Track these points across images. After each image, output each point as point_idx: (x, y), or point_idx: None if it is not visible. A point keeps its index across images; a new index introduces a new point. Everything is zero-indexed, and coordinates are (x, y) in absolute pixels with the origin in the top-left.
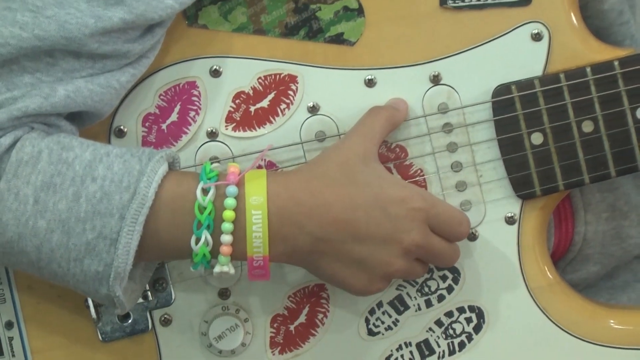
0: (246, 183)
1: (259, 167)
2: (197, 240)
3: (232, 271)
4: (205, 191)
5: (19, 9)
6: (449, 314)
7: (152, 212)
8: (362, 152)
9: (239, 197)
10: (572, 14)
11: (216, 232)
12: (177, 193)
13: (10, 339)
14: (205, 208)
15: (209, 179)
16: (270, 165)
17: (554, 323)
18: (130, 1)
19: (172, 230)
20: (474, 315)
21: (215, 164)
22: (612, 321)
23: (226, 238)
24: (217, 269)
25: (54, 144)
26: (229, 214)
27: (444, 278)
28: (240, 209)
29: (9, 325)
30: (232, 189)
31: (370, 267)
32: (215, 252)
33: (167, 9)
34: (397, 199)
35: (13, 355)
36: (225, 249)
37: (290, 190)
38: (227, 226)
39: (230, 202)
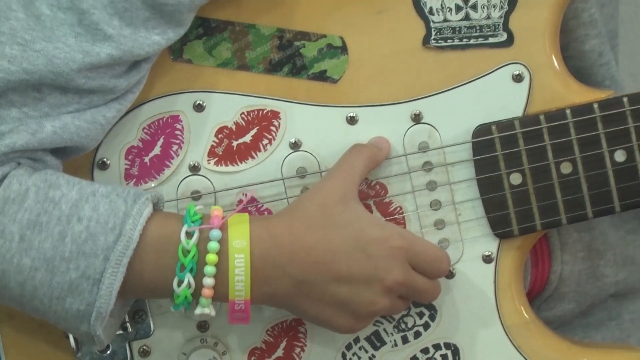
0: (229, 227)
1: (242, 210)
2: (180, 282)
3: (213, 313)
4: (189, 234)
5: (8, 42)
6: (425, 351)
7: (136, 254)
8: (342, 192)
9: (222, 241)
10: (553, 56)
11: (198, 275)
12: (161, 235)
13: None
14: (189, 251)
15: (193, 222)
16: (252, 201)
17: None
18: (117, 37)
19: (154, 271)
20: (449, 353)
21: (199, 207)
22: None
23: (208, 281)
24: (198, 310)
25: (41, 182)
26: (212, 258)
27: (420, 315)
28: (222, 252)
29: None
30: (215, 233)
31: (353, 307)
32: (196, 294)
33: (153, 45)
34: (377, 239)
35: None
36: (206, 292)
37: (273, 233)
38: (209, 269)
39: (213, 245)
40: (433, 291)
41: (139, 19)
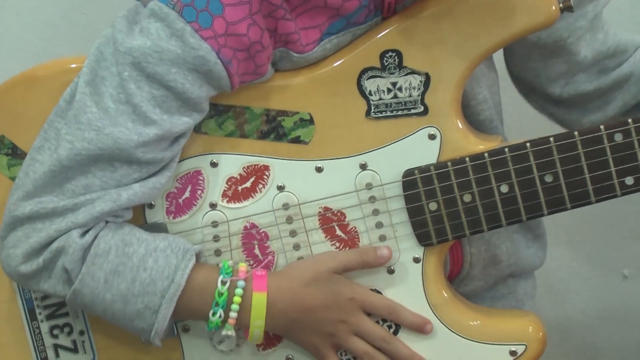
0: (252, 309)
1: (249, 241)
2: (214, 314)
3: (234, 334)
4: (223, 282)
5: (86, 129)
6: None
7: (184, 293)
8: (331, 266)
9: (245, 289)
10: (456, 120)
11: (226, 310)
12: (204, 283)
13: (83, 341)
14: (222, 294)
15: (227, 273)
16: (253, 226)
17: (447, 328)
18: (160, 121)
19: (196, 305)
20: (393, 325)
21: (230, 262)
22: (490, 324)
23: (233, 314)
24: (223, 332)
25: (119, 242)
26: (237, 299)
27: None
28: (246, 299)
29: (81, 332)
30: (241, 283)
31: (324, 334)
32: (224, 322)
33: (184, 124)
34: (345, 296)
35: (85, 352)
36: (231, 321)
37: (281, 290)
38: (234, 307)
39: (239, 291)
40: (380, 333)
41: (174, 107)
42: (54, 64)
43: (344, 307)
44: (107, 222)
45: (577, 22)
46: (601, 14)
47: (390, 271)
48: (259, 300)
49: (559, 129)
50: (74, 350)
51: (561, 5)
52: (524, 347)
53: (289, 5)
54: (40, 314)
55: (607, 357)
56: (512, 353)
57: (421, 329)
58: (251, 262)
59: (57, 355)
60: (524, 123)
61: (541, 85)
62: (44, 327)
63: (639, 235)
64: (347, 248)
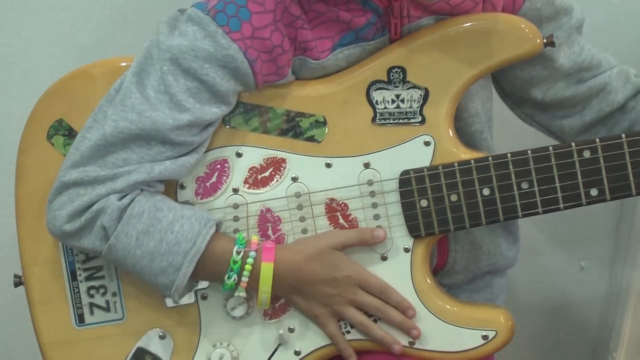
0: (261, 277)
1: (264, 225)
2: (228, 278)
3: (245, 295)
4: (238, 252)
5: (129, 111)
6: None
7: (204, 257)
8: (332, 243)
9: (256, 259)
10: (449, 130)
11: (239, 274)
12: (220, 251)
13: (115, 302)
14: (236, 262)
15: (241, 244)
16: (268, 210)
17: (429, 311)
18: (192, 109)
19: (214, 269)
20: None
21: (244, 234)
22: (466, 311)
23: (244, 279)
24: (237, 293)
25: (152, 207)
26: (248, 267)
27: None
28: (255, 267)
29: (114, 294)
30: (252, 253)
31: (321, 304)
32: (237, 285)
33: (213, 114)
34: (342, 272)
35: (115, 312)
36: (242, 284)
37: (286, 261)
38: (246, 273)
39: (250, 260)
40: (375, 305)
41: (205, 98)
42: (106, 62)
43: (342, 282)
44: (142, 190)
45: (552, 33)
46: (579, 30)
47: (384, 258)
48: (267, 269)
49: (545, 143)
50: (107, 309)
51: (545, 40)
52: (495, 332)
53: (307, 17)
54: (80, 275)
55: (563, 344)
56: (484, 337)
57: (404, 311)
58: (264, 241)
59: (92, 312)
60: (513, 137)
61: (526, 92)
62: (83, 287)
63: (595, 229)
64: None
